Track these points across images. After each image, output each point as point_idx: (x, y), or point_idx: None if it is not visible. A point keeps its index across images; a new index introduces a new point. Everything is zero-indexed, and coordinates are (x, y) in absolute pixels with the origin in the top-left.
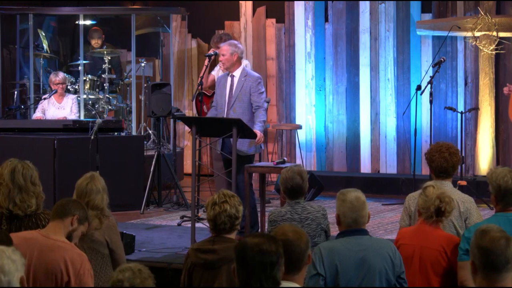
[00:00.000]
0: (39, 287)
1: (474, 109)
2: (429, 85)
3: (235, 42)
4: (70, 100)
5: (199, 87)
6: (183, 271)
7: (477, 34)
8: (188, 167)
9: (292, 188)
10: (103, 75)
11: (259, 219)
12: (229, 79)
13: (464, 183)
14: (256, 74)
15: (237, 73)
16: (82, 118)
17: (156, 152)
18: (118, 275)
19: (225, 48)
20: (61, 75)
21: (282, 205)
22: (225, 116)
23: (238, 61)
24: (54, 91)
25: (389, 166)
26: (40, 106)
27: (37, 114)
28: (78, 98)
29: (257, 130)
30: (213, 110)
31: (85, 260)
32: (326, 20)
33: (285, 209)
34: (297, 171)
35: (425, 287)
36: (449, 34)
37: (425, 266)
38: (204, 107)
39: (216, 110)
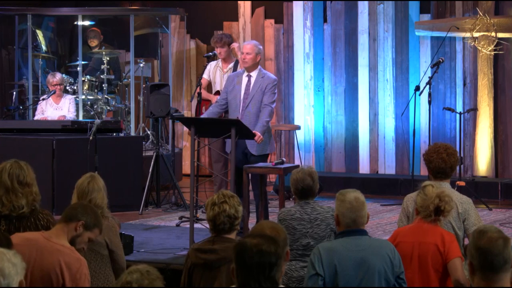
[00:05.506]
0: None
1: (472, 110)
2: (428, 86)
3: (258, 43)
4: (67, 101)
5: (197, 88)
6: (183, 271)
7: (476, 34)
8: (186, 167)
9: (303, 189)
10: (101, 76)
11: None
12: (245, 78)
13: (462, 184)
14: (274, 76)
15: (254, 73)
16: (80, 118)
17: (154, 153)
18: (127, 277)
19: (249, 47)
20: (59, 76)
21: (280, 206)
22: (239, 115)
23: (258, 63)
24: (52, 92)
25: (388, 166)
26: (39, 108)
27: (39, 116)
28: (76, 99)
29: (257, 130)
30: (215, 107)
31: (83, 265)
32: (325, 20)
33: (295, 208)
34: (308, 172)
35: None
36: (448, 35)
37: (425, 262)
38: (203, 108)
39: (220, 108)
